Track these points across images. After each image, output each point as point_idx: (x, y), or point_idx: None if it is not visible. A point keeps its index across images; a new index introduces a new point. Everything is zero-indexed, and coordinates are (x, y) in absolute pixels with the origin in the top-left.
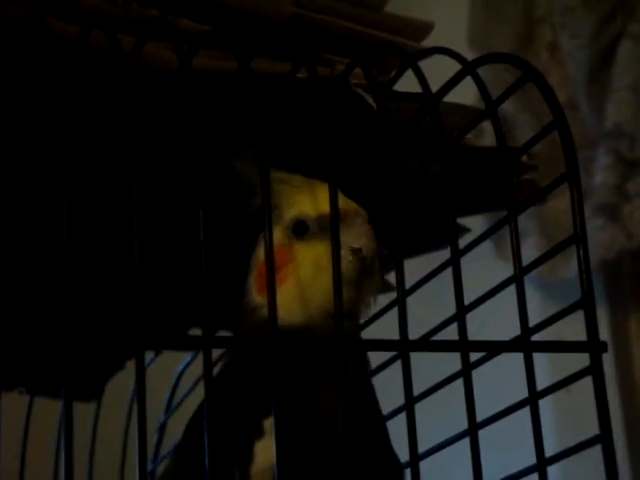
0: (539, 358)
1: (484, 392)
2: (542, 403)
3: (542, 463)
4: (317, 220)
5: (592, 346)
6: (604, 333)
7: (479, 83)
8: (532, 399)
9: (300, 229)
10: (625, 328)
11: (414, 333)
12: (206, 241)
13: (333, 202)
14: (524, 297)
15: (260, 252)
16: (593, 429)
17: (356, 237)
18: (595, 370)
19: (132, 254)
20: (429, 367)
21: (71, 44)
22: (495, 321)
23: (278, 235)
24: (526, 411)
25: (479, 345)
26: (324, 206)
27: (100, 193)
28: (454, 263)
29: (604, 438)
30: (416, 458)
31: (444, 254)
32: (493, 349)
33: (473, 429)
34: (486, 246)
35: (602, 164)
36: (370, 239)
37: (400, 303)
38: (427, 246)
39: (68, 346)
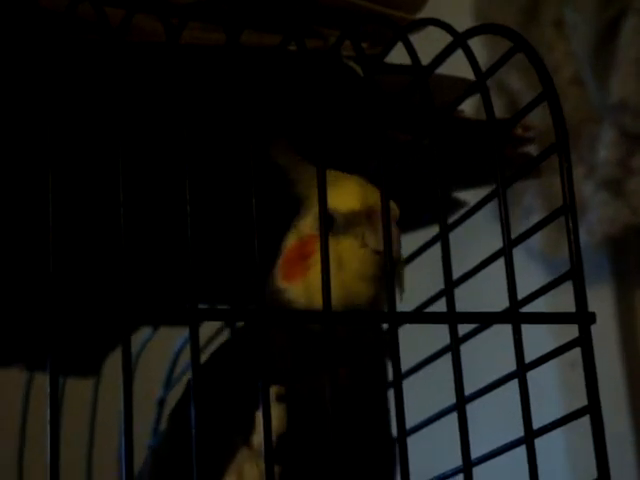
0: (540, 336)
1: (480, 366)
2: (548, 382)
3: (530, 435)
4: (345, 215)
5: (581, 317)
6: (610, 309)
7: (469, 55)
8: (520, 371)
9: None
10: (631, 304)
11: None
12: (219, 214)
13: (320, 186)
14: (512, 269)
15: (289, 238)
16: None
17: (380, 240)
18: (584, 341)
19: (119, 226)
20: (427, 344)
21: (58, 17)
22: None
23: (309, 224)
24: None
25: (467, 316)
26: (353, 202)
27: (87, 165)
28: (443, 237)
29: (592, 409)
30: (404, 433)
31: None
32: (482, 320)
33: (461, 403)
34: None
35: (606, 139)
36: (396, 242)
37: (388, 276)
38: (421, 221)
39: (54, 319)
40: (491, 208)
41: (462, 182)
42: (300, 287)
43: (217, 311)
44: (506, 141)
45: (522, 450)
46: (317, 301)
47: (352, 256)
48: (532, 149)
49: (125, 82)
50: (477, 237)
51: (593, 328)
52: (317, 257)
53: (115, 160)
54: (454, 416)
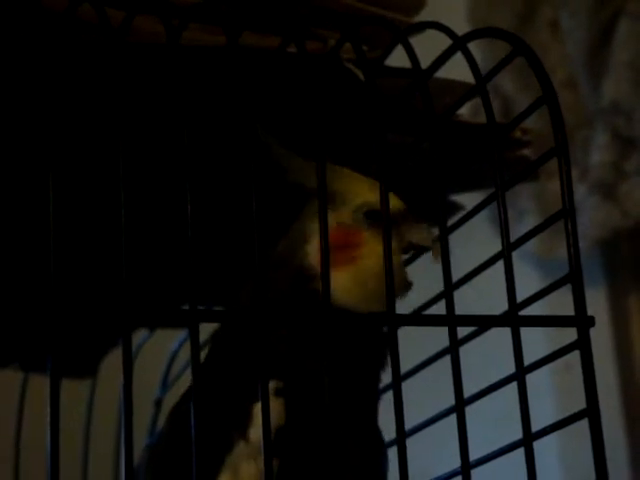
0: (535, 339)
1: (476, 368)
2: (542, 384)
3: (528, 438)
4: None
5: (580, 320)
6: (604, 312)
7: (469, 58)
8: (519, 374)
9: (373, 217)
10: (624, 307)
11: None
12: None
13: (321, 184)
14: (512, 272)
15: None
16: None
17: (426, 236)
18: (583, 344)
19: (119, 227)
20: (426, 346)
21: (59, 17)
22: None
23: (344, 216)
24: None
25: (467, 319)
26: (394, 201)
27: (87, 165)
28: (442, 239)
29: (591, 412)
30: (403, 434)
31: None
32: (481, 323)
33: (460, 405)
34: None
35: (599, 142)
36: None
37: (388, 276)
38: None
39: (54, 320)
40: (486, 211)
41: (460, 185)
42: (346, 276)
43: (217, 312)
44: (505, 144)
45: (515, 453)
46: (352, 293)
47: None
48: (529, 152)
49: (126, 82)
50: (471, 239)
51: None
52: (365, 250)
53: (116, 160)
54: (450, 419)
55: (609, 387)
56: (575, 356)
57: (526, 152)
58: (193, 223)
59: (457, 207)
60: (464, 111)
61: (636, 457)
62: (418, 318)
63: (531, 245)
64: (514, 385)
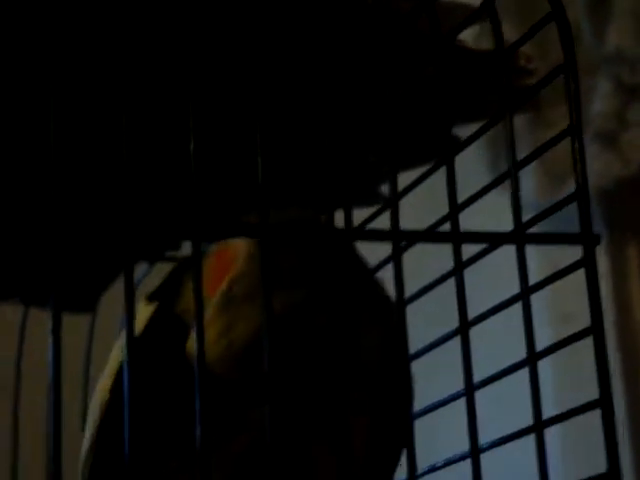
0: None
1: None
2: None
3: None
4: None
5: (585, 238)
6: (602, 262)
7: None
8: (524, 294)
9: None
10: (624, 256)
11: None
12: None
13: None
14: (518, 190)
15: None
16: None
17: None
18: (588, 262)
19: (121, 149)
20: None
21: None
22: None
23: None
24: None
25: (471, 236)
26: None
27: (90, 86)
28: (448, 163)
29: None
30: (406, 359)
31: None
32: (486, 240)
33: (464, 327)
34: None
35: (602, 91)
36: None
37: (393, 201)
38: (421, 158)
39: (57, 253)
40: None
41: (464, 115)
42: None
43: (221, 227)
44: (510, 71)
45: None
46: None
47: None
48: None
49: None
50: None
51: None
52: None
53: (121, 83)
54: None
55: (608, 335)
56: (574, 305)
57: (530, 81)
58: (197, 143)
59: (457, 141)
60: (467, 38)
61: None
62: (422, 234)
63: (529, 190)
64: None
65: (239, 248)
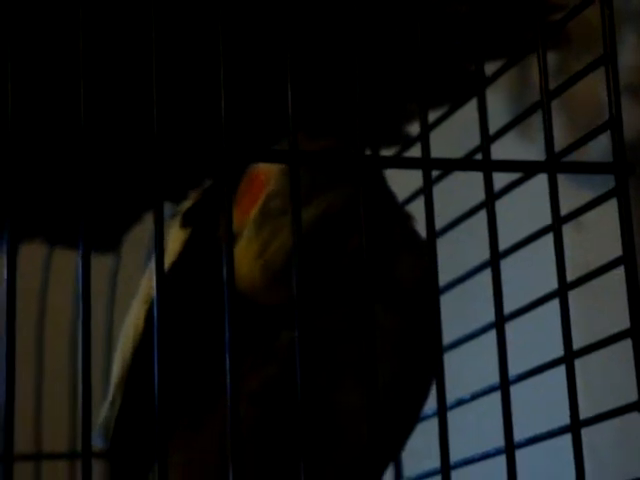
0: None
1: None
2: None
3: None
4: None
5: (618, 167)
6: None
7: None
8: (556, 225)
9: None
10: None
11: None
12: None
13: None
14: (550, 121)
15: None
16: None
17: None
18: (620, 192)
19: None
20: None
21: None
22: None
23: None
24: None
25: (502, 164)
26: None
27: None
28: (479, 94)
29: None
30: (437, 290)
31: None
32: (517, 169)
33: (495, 258)
34: None
35: (627, 45)
36: None
37: (424, 132)
38: (450, 96)
39: (86, 190)
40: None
41: (494, 52)
42: None
43: (251, 153)
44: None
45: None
46: None
47: None
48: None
49: None
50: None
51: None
52: None
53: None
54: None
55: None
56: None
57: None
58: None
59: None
60: None
61: None
62: (452, 162)
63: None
64: None
65: (271, 168)
